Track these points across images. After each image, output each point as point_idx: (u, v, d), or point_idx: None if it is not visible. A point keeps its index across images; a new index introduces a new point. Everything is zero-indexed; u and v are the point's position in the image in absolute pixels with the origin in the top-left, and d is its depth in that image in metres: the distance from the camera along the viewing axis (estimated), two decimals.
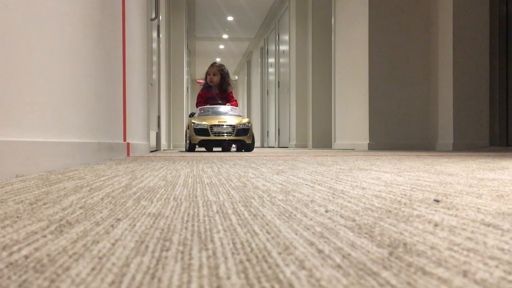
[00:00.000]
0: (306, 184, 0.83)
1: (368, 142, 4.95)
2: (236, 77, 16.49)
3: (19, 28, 1.08)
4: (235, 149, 4.85)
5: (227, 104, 4.47)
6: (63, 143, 1.35)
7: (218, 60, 12.14)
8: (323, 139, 6.75)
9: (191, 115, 4.35)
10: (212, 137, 3.94)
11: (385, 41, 5.00)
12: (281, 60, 8.92)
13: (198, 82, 4.46)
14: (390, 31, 5.00)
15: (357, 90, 5.32)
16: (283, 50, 8.69)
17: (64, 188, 0.77)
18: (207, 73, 4.63)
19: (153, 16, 3.77)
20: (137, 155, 2.78)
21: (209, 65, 4.83)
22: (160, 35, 5.07)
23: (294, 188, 0.76)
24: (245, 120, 4.15)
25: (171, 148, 6.10)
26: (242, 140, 4.05)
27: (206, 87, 4.57)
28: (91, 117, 1.78)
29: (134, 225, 0.41)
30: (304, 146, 7.15)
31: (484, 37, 4.68)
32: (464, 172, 1.18)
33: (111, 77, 2.23)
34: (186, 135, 4.20)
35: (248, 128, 4.09)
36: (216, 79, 4.53)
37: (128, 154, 2.58)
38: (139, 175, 1.07)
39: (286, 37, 8.26)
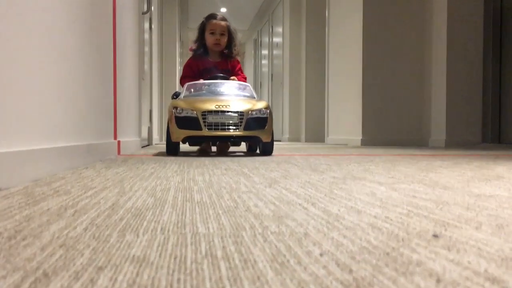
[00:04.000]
0: (300, 205, 0.80)
1: (361, 137, 4.95)
2: None
3: None
4: (235, 148, 3.34)
5: (232, 78, 2.85)
6: (50, 149, 1.32)
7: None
8: (316, 133, 6.73)
9: (175, 95, 2.73)
10: (205, 132, 2.35)
11: (379, 36, 4.97)
12: (275, 52, 8.88)
13: (191, 48, 3.02)
14: (384, 27, 4.98)
15: (350, 86, 5.30)
16: (277, 42, 8.64)
17: (48, 209, 0.74)
18: (204, 31, 2.95)
19: (145, 9, 3.71)
20: (128, 153, 2.74)
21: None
22: (153, 27, 5.00)
23: (287, 211, 0.74)
24: (261, 105, 2.52)
25: (163, 141, 6.06)
26: (255, 137, 2.45)
27: (199, 53, 2.94)
28: (79, 118, 1.74)
29: (116, 280, 0.39)
30: (297, 140, 7.13)
31: (478, 34, 4.67)
32: (459, 183, 1.16)
33: (101, 73, 2.19)
34: (167, 129, 2.54)
35: (266, 118, 2.48)
36: (224, 40, 2.92)
37: (118, 153, 2.54)
38: (128, 187, 1.04)
39: (280, 29, 8.22)
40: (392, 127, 4.90)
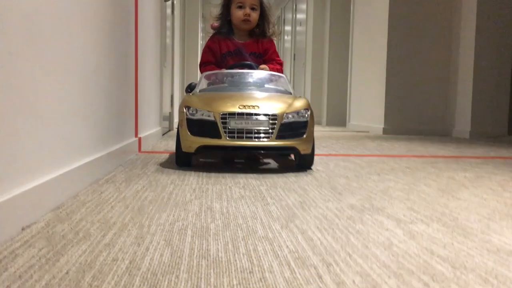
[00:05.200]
0: (315, 268, 0.80)
1: (383, 126, 4.89)
2: None
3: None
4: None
5: (262, 67, 2.29)
6: (72, 171, 1.34)
7: None
8: (337, 117, 6.67)
9: (189, 88, 2.28)
10: (225, 141, 1.86)
11: (406, 22, 4.85)
12: (298, 28, 8.75)
13: (212, 26, 2.47)
14: (411, 11, 4.84)
15: (374, 72, 5.21)
16: (300, 21, 8.49)
17: (67, 273, 0.75)
18: (230, 3, 2.38)
19: None
20: (149, 149, 2.76)
21: None
22: (175, 12, 4.96)
23: (301, 282, 0.74)
24: (300, 104, 1.98)
25: None
26: (291, 148, 1.93)
27: (223, 32, 2.39)
28: (100, 126, 1.75)
29: None
30: (318, 123, 7.09)
31: (508, 23, 4.51)
32: (479, 223, 1.14)
33: (122, 69, 2.18)
34: (177, 135, 2.03)
35: (306, 122, 1.96)
36: (255, 16, 2.36)
37: (139, 150, 2.57)
38: (146, 225, 1.05)
39: (304, 6, 8.07)
40: (415, 116, 4.82)
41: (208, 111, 1.88)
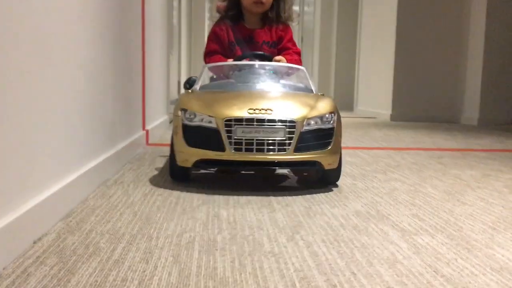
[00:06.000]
0: None
1: (390, 112, 4.87)
2: None
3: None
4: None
5: (278, 58, 1.94)
6: (81, 175, 1.36)
7: None
8: (345, 100, 6.63)
9: (188, 84, 1.86)
10: (231, 155, 1.50)
11: (415, 7, 4.78)
12: (305, 9, 8.66)
13: (218, 8, 2.12)
14: (419, 3, 4.77)
15: (382, 58, 5.16)
16: (308, 2, 8.39)
17: None
18: None
19: None
20: (156, 141, 2.77)
21: None
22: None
23: None
24: (324, 105, 1.60)
25: None
26: (313, 161, 1.55)
27: (231, 16, 2.03)
28: (109, 125, 1.76)
29: None
30: None
31: None
32: (485, 234, 1.15)
33: (129, 62, 2.17)
34: (171, 144, 1.67)
35: (332, 129, 1.58)
36: None
37: (147, 142, 2.58)
38: (154, 237, 1.07)
39: None
40: (423, 103, 4.79)
41: (210, 115, 1.49)
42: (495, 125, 4.32)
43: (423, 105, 4.79)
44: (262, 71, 1.80)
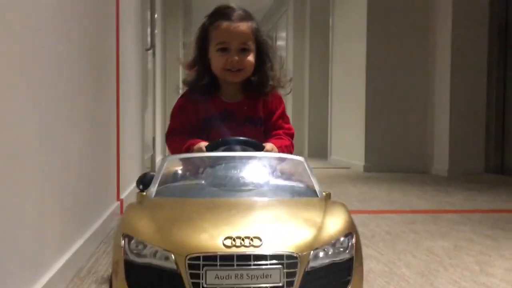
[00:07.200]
0: None
1: (363, 163, 4.96)
2: None
3: None
4: None
5: (269, 147, 1.36)
6: (52, 277, 1.33)
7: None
8: (319, 148, 6.75)
9: (142, 183, 1.25)
10: None
11: (383, 61, 4.97)
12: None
13: (185, 80, 1.56)
14: (388, 51, 4.97)
15: (353, 108, 5.31)
16: (280, 48, 8.62)
17: None
18: (208, 42, 1.47)
19: (149, 46, 3.70)
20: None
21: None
22: (156, 52, 4.98)
23: None
24: (337, 222, 1.00)
25: None
26: None
27: (202, 86, 1.50)
28: (80, 205, 1.72)
29: None
30: (300, 153, 7.14)
31: (482, 61, 4.65)
32: None
33: (101, 122, 2.12)
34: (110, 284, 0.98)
35: (350, 260, 0.96)
36: (248, 60, 1.44)
37: (121, 212, 2.55)
38: None
39: (284, 34, 8.21)
40: (395, 154, 4.91)
41: (165, 249, 0.91)
42: (465, 176, 4.44)
43: (395, 156, 4.90)
44: (246, 167, 1.22)
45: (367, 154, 4.92)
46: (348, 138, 5.43)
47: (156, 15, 4.63)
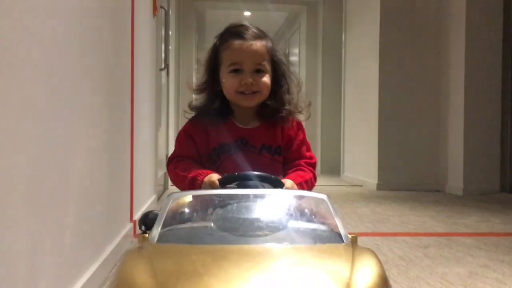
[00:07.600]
0: None
1: (377, 182, 4.92)
2: None
3: None
4: None
5: (289, 184, 1.18)
6: None
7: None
8: (331, 165, 6.72)
9: (144, 224, 1.11)
10: None
11: (396, 78, 4.96)
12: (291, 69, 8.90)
13: (191, 104, 1.39)
14: (401, 69, 4.95)
15: (366, 125, 5.28)
16: (293, 63, 8.66)
17: None
18: (219, 64, 1.32)
19: (163, 66, 3.74)
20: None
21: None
22: (169, 66, 5.03)
23: None
24: (366, 277, 0.76)
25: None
26: None
27: (215, 109, 1.33)
28: (95, 231, 1.74)
29: None
30: None
31: (496, 81, 4.62)
32: None
33: (116, 145, 2.16)
34: None
35: None
36: (265, 82, 1.29)
37: (134, 234, 2.56)
38: None
39: (296, 50, 8.25)
40: (408, 173, 4.87)
41: None
42: (480, 195, 4.38)
43: (409, 174, 4.86)
44: (261, 207, 1.05)
45: (380, 171, 4.89)
46: (361, 155, 5.40)
47: (170, 32, 4.69)
